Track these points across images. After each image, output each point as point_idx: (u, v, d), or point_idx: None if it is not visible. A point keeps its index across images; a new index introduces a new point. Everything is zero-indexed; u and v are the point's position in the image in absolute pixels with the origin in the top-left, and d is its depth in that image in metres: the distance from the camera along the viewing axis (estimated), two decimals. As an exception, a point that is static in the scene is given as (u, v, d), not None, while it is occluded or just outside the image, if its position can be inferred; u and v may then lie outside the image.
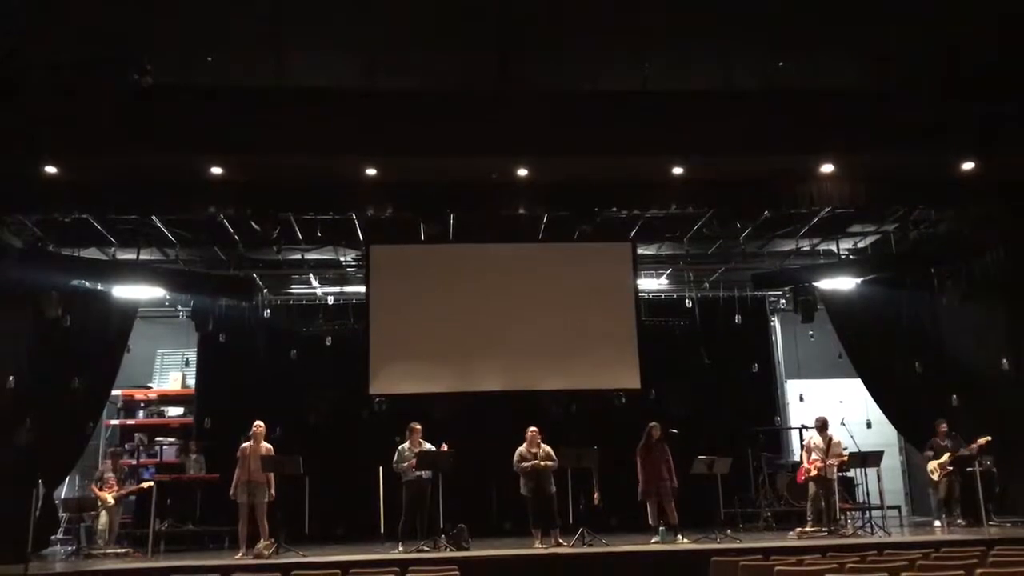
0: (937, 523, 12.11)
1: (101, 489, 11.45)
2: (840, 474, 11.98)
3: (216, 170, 10.62)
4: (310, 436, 13.02)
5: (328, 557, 9.67)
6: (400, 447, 10.76)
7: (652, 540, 10.42)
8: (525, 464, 10.63)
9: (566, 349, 12.82)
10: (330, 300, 14.65)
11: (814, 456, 11.39)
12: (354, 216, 11.97)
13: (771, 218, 12.39)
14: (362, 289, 13.31)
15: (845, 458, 11.43)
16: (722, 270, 14.52)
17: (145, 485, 11.76)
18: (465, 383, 12.83)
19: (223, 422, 13.35)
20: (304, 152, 10.27)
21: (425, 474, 10.52)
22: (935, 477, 12.24)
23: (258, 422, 10.44)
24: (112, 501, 11.40)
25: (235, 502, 10.29)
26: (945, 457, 12.09)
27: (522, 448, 10.76)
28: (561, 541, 10.38)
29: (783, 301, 15.68)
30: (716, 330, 14.51)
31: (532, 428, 10.88)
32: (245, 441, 10.51)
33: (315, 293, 14.88)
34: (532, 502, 10.58)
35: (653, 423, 11.02)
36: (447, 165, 10.74)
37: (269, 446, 10.37)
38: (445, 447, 10.61)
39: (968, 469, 11.70)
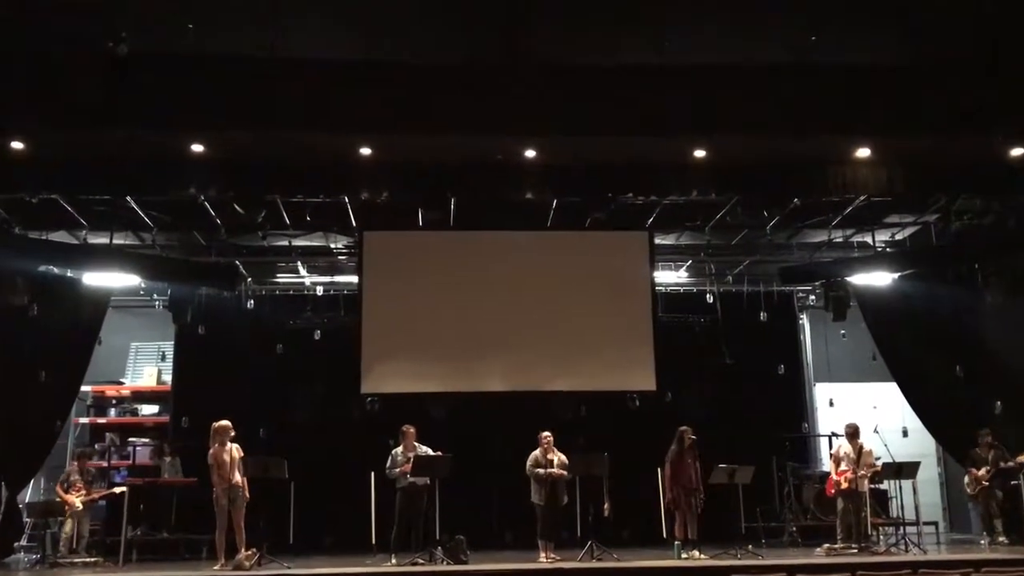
0: (983, 541, 12.12)
1: (67, 492, 11.49)
2: (872, 486, 11.99)
3: (197, 148, 10.63)
4: (296, 438, 13.08)
5: (314, 569, 9.71)
6: (393, 451, 10.79)
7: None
8: (541, 471, 10.66)
9: (575, 346, 12.85)
10: (319, 291, 14.66)
11: (844, 466, 11.40)
12: (346, 199, 11.98)
13: (801, 206, 12.36)
14: (354, 279, 13.34)
15: (878, 469, 11.43)
16: (747, 263, 14.51)
17: (117, 490, 11.80)
18: (465, 382, 12.85)
19: (202, 422, 13.25)
20: (293, 129, 10.28)
21: (420, 480, 10.55)
22: (970, 491, 12.27)
23: (222, 421, 10.25)
24: (80, 506, 11.43)
25: (214, 509, 10.29)
26: (983, 471, 12.11)
27: (537, 453, 10.80)
28: (555, 556, 10.41)
29: (813, 297, 15.68)
30: (739, 328, 14.52)
31: (546, 433, 10.91)
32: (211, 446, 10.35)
33: (303, 283, 14.90)
34: (544, 512, 10.61)
35: (685, 427, 10.99)
36: (448, 145, 10.75)
37: (237, 446, 10.29)
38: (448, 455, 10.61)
39: (1013, 483, 11.71)
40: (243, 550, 9.97)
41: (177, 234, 13.19)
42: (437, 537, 10.38)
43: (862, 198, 12.04)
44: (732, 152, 11.03)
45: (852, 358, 14.93)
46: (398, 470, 10.60)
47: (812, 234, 13.74)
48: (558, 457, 10.77)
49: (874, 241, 13.78)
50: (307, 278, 14.84)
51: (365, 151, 10.81)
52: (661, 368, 12.93)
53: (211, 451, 10.12)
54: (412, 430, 10.84)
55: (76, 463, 12.02)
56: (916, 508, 11.88)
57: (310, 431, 13.55)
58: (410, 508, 10.55)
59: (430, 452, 10.72)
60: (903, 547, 11.02)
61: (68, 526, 11.37)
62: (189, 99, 10.03)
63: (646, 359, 12.93)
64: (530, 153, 10.94)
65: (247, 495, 10.19)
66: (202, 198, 11.58)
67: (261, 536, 10.49)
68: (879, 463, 11.44)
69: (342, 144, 10.72)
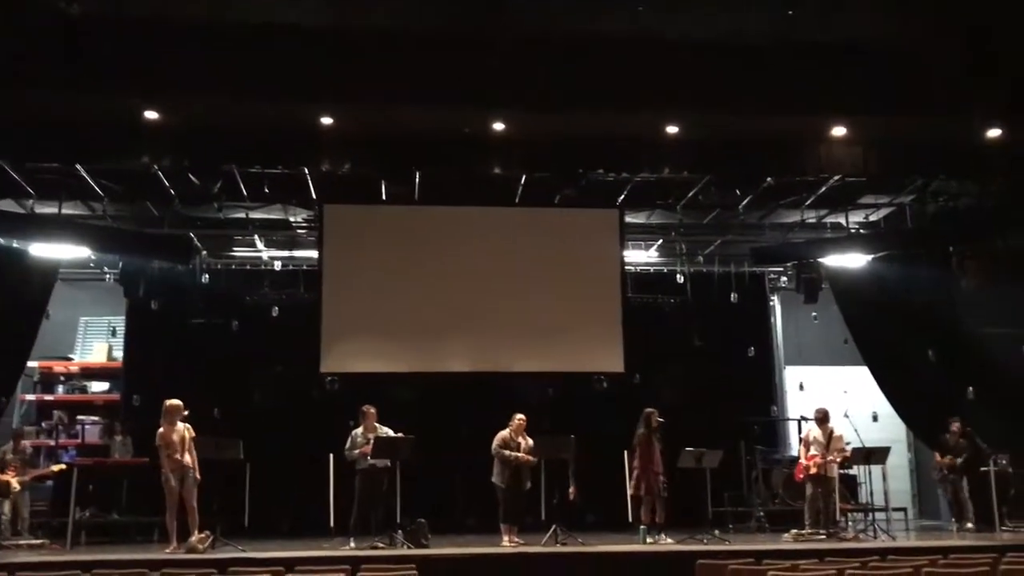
0: (951, 528, 12.32)
1: (3, 472, 11.33)
2: (841, 472, 12.13)
3: (151, 114, 10.48)
4: (253, 418, 13.00)
5: (270, 553, 9.67)
6: (353, 432, 10.76)
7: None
8: (508, 452, 10.67)
9: (543, 327, 12.86)
10: (278, 265, 14.55)
11: (813, 451, 11.51)
12: (307, 171, 11.87)
13: (774, 185, 12.44)
14: (314, 254, 13.25)
15: (847, 454, 11.55)
16: (718, 243, 14.59)
17: (55, 468, 11.67)
18: (429, 363, 12.84)
19: (154, 400, 13.10)
20: (252, 96, 10.17)
21: (381, 462, 10.52)
22: (936, 476, 12.55)
23: (173, 400, 10.18)
24: (17, 487, 11.29)
25: (164, 490, 10.21)
26: (948, 459, 12.33)
27: (506, 433, 10.78)
28: (518, 540, 10.45)
29: (784, 279, 15.78)
30: (709, 309, 14.60)
31: (520, 416, 10.91)
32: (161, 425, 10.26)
33: (261, 257, 14.78)
34: (506, 495, 10.63)
35: (651, 409, 11.06)
36: (414, 116, 10.67)
37: (188, 426, 10.21)
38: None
39: (983, 469, 11.90)
40: (196, 532, 9.91)
41: (129, 205, 13.01)
42: (398, 521, 10.36)
43: (836, 178, 12.12)
44: (706, 129, 11.06)
45: (823, 341, 15.08)
46: (358, 452, 10.56)
47: (785, 214, 13.82)
48: (527, 442, 10.78)
49: (848, 222, 13.90)
50: (265, 252, 14.72)
51: (326, 121, 10.71)
52: (629, 350, 12.98)
53: (160, 430, 10.05)
54: (373, 410, 10.79)
55: (12, 442, 11.86)
56: (885, 494, 12.03)
57: (267, 411, 13.47)
58: (370, 491, 10.52)
59: (391, 433, 10.69)
60: (872, 533, 11.18)
61: (6, 507, 11.24)
62: (143, 63, 9.89)
63: (614, 340, 12.98)
64: (499, 126, 10.89)
65: (198, 476, 10.13)
66: (155, 167, 11.43)
67: (215, 518, 10.43)
68: (849, 448, 11.56)
69: (303, 113, 10.62)
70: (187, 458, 10.03)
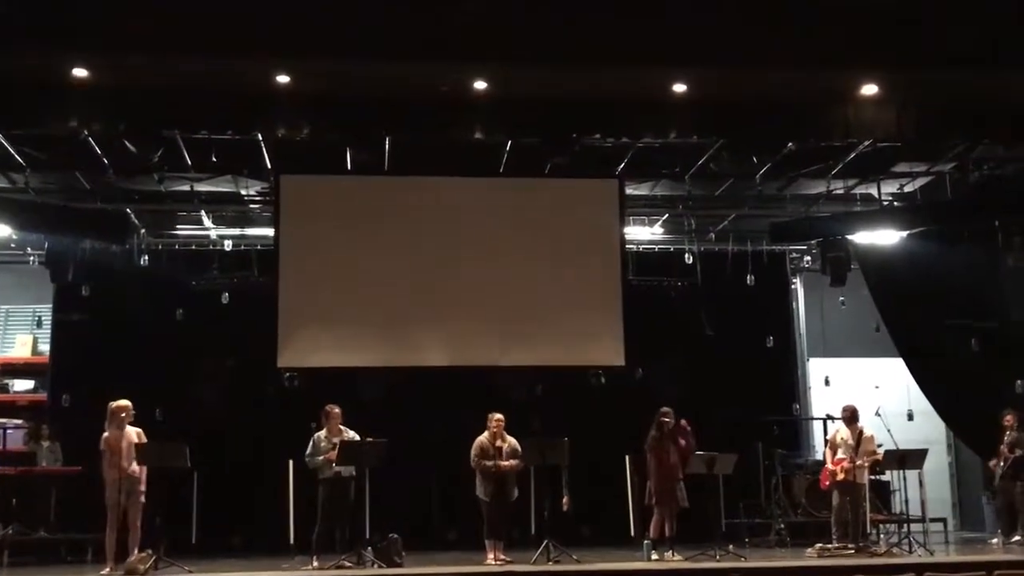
0: (994, 540, 12.40)
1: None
2: (872, 477, 12.20)
3: (80, 72, 10.40)
4: (200, 420, 13.00)
5: (222, 574, 9.69)
6: (315, 436, 10.75)
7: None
8: (487, 463, 10.66)
9: (531, 314, 12.88)
10: (228, 245, 14.48)
11: (840, 454, 11.55)
12: (260, 137, 11.81)
13: (796, 152, 12.44)
14: (270, 232, 13.20)
15: (879, 457, 11.60)
16: (732, 217, 14.62)
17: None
18: (401, 356, 12.85)
19: (86, 400, 13.19)
20: (196, 51, 10.08)
21: (347, 470, 10.53)
22: (997, 473, 12.52)
23: (119, 401, 10.20)
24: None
25: (102, 504, 10.19)
26: (1002, 454, 12.36)
27: (483, 439, 10.78)
28: (504, 557, 10.49)
29: (808, 258, 15.83)
30: (722, 293, 14.66)
31: (497, 415, 10.90)
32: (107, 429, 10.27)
33: (208, 236, 14.74)
34: (490, 508, 10.65)
35: (666, 408, 11.10)
36: (382, 73, 10.62)
37: (138, 430, 10.22)
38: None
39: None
40: (136, 551, 9.90)
41: (55, 175, 12.96)
42: (367, 536, 10.39)
43: (867, 143, 12.12)
44: (717, 88, 11.03)
45: (852, 330, 15.14)
46: (321, 458, 10.55)
47: (808, 185, 13.84)
48: (508, 444, 10.80)
49: (880, 193, 13.93)
50: (213, 230, 14.67)
51: (282, 79, 10.64)
52: (631, 340, 13.01)
53: (105, 435, 10.02)
54: (337, 411, 10.77)
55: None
56: (922, 503, 12.11)
57: (217, 412, 13.49)
58: (335, 502, 10.51)
59: (357, 437, 10.69)
60: (907, 547, 11.23)
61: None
62: (71, 14, 9.79)
63: (613, 329, 13.00)
64: (480, 84, 10.84)
65: (143, 488, 10.13)
66: (85, 132, 11.34)
67: (158, 535, 10.43)
68: (880, 451, 11.61)
69: (255, 70, 10.55)
70: (133, 467, 10.02)
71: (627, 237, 13.67)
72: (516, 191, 13.22)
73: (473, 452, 10.75)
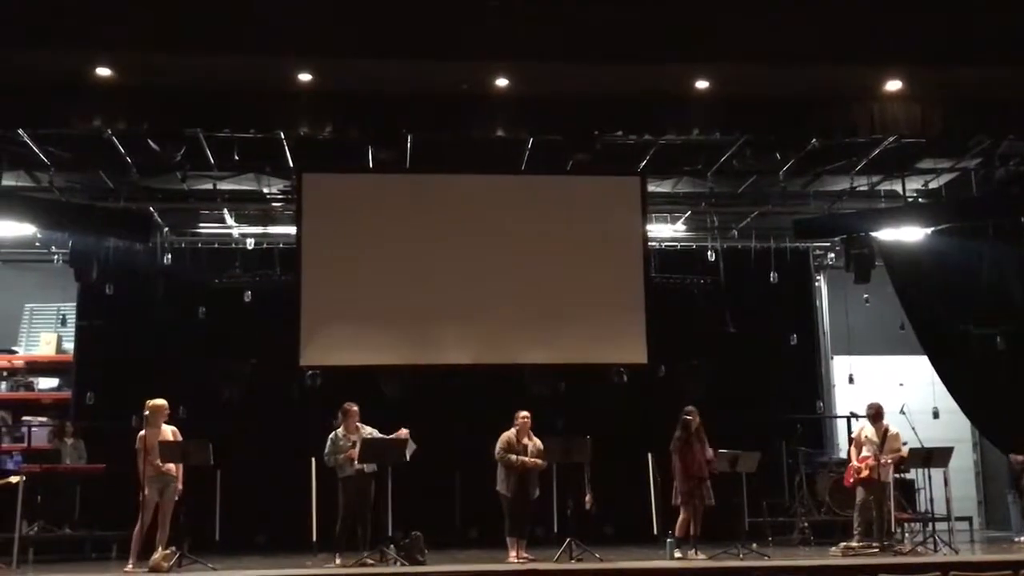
0: (1019, 539, 12.33)
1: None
2: (897, 476, 12.14)
3: (104, 71, 10.47)
4: (223, 418, 13.01)
5: (245, 571, 9.72)
6: (333, 434, 10.75)
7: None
8: (513, 457, 10.69)
9: (554, 312, 12.90)
10: (250, 244, 14.59)
11: (865, 452, 11.51)
12: (283, 135, 11.88)
13: (820, 148, 12.41)
14: (292, 230, 13.25)
15: (904, 455, 11.54)
16: (755, 214, 14.60)
17: (13, 479, 11.68)
18: (423, 354, 12.89)
19: (109, 398, 13.36)
20: (220, 49, 10.14)
21: (369, 468, 10.56)
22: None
23: (156, 400, 10.30)
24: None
25: (127, 501, 10.23)
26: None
27: (510, 434, 10.79)
28: (527, 555, 10.50)
29: (832, 255, 15.80)
30: (745, 291, 14.65)
31: (523, 413, 10.93)
32: (140, 427, 10.35)
33: (231, 234, 14.82)
34: (511, 504, 10.67)
35: (690, 407, 11.09)
36: (404, 72, 10.64)
37: (174, 429, 10.31)
38: (405, 432, 10.58)
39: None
40: (160, 549, 9.93)
41: (80, 175, 13.04)
42: (389, 533, 10.40)
43: (891, 139, 12.08)
44: (740, 83, 11.00)
45: (876, 327, 15.08)
46: (341, 456, 10.58)
47: (832, 181, 13.81)
48: (534, 443, 10.81)
49: (904, 190, 13.86)
50: (235, 229, 14.75)
51: (305, 77, 10.69)
52: (653, 338, 13.01)
53: (141, 433, 10.09)
54: (355, 408, 10.77)
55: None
56: (947, 501, 12.01)
57: (239, 410, 13.50)
58: (357, 500, 10.53)
59: (376, 434, 10.70)
60: (932, 546, 11.17)
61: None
62: (95, 12, 9.85)
63: (636, 327, 13.01)
64: (502, 82, 10.86)
65: (180, 486, 10.20)
66: (109, 132, 11.43)
67: (181, 532, 10.47)
68: (905, 449, 11.55)
69: (278, 69, 10.59)
70: (170, 465, 10.09)
71: (649, 234, 13.66)
72: (538, 188, 13.21)
73: (499, 445, 10.75)
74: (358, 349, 12.81)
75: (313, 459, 11.17)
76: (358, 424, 10.75)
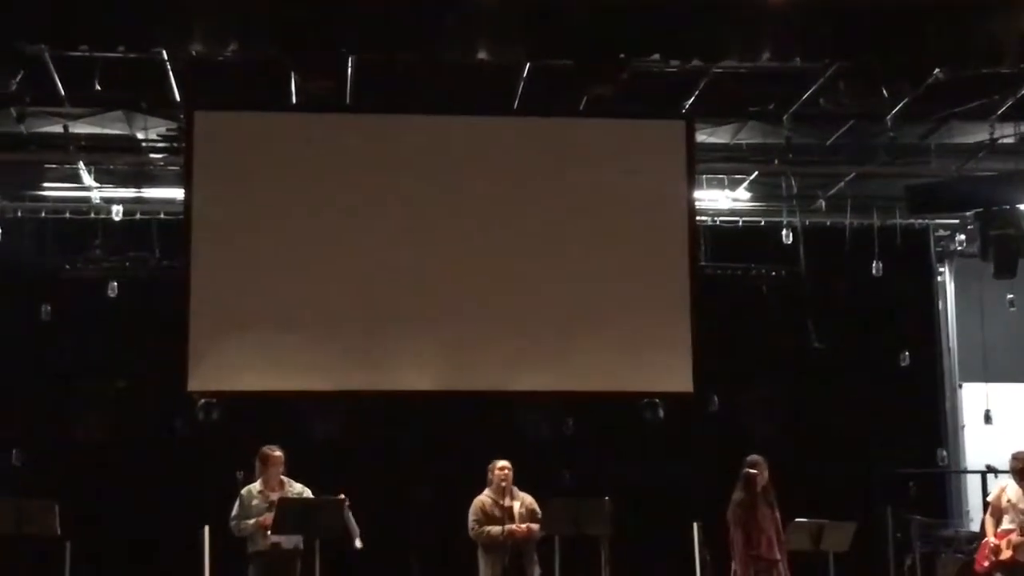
0: None
1: None
2: (1054, 558, 12.20)
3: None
4: (76, 465, 13.03)
5: None
6: (244, 490, 10.78)
7: None
8: (492, 529, 10.72)
9: (558, 318, 12.87)
10: (117, 213, 14.54)
11: (1008, 524, 11.56)
12: (164, 55, 11.85)
13: (946, 82, 12.40)
14: (178, 194, 13.23)
15: (1064, 530, 11.62)
16: (851, 177, 14.62)
17: None
18: (369, 377, 12.80)
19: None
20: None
21: (290, 541, 10.57)
22: None
23: None
24: None
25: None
26: None
27: (484, 498, 10.88)
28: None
29: (961, 237, 15.81)
30: (836, 288, 14.64)
31: (501, 463, 11.01)
32: None
33: (89, 199, 14.77)
34: (500, 593, 10.72)
35: (755, 457, 11.13)
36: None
37: None
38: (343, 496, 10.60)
39: None
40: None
41: None
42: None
43: (1055, 68, 12.12)
44: (830, -13, 11.05)
45: (1024, 342, 15.16)
46: (252, 523, 10.59)
47: (965, 130, 13.82)
48: (522, 502, 10.84)
49: (1070, 145, 13.93)
50: (95, 191, 14.70)
51: (200, -26, 10.69)
52: (702, 355, 12.98)
53: None
54: (278, 454, 10.82)
55: None
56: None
57: (99, 455, 13.51)
58: (272, 586, 10.59)
59: (308, 493, 10.71)
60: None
61: None
62: None
63: (678, 340, 12.94)
64: (487, -20, 10.88)
65: None
66: (-87, 49, 11.43)
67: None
68: (1066, 519, 11.63)
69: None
70: None
71: (699, 205, 13.68)
72: (537, 137, 13.17)
73: (471, 517, 10.79)
74: (273, 369, 12.71)
75: (206, 527, 11.15)
76: (283, 479, 10.75)
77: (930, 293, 16.15)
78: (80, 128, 13.47)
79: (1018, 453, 11.83)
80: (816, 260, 14.67)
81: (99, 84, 12.33)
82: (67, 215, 14.76)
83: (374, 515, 11.10)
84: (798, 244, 14.63)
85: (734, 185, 14.90)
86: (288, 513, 10.39)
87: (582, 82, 12.26)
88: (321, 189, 12.83)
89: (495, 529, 10.70)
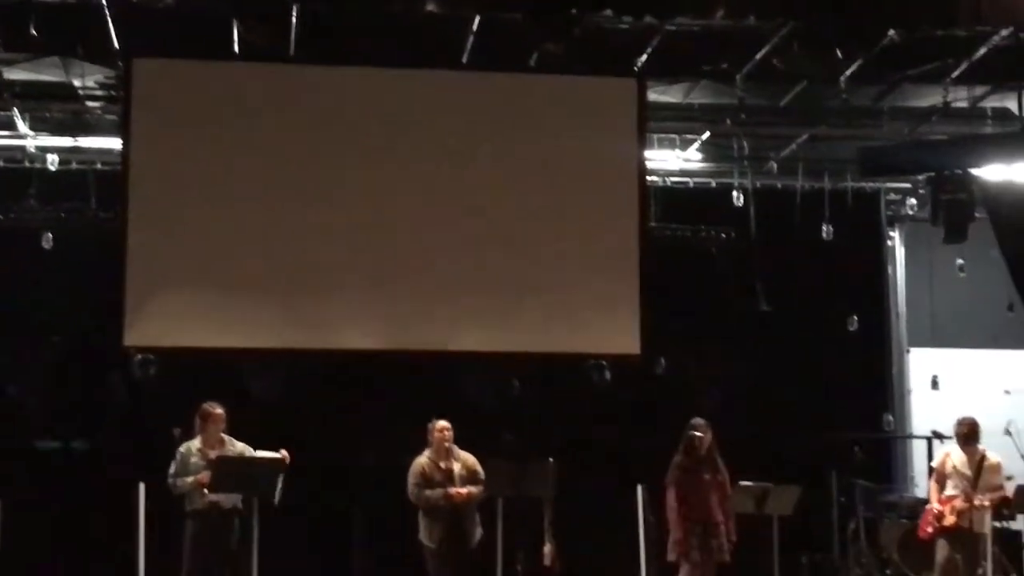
0: None
1: None
2: (997, 524, 12.27)
3: None
4: (8, 424, 12.95)
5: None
6: (181, 448, 10.76)
7: None
8: (430, 492, 10.75)
9: (503, 277, 12.90)
10: (52, 163, 14.45)
11: (951, 490, 11.66)
12: (104, 1, 11.76)
13: (899, 44, 12.45)
14: (116, 144, 13.15)
15: (1008, 495, 11.71)
16: (803, 139, 14.68)
17: None
18: (310, 335, 12.79)
19: None
20: None
21: (227, 500, 10.56)
22: None
23: None
24: None
25: None
26: None
27: (423, 460, 10.90)
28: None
29: (912, 201, 15.90)
30: (786, 251, 14.75)
31: (441, 423, 11.03)
32: None
33: (24, 147, 14.66)
34: (439, 559, 10.73)
35: (698, 420, 11.18)
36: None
37: None
38: (284, 454, 10.61)
39: None
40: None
41: None
42: (256, 597, 10.45)
43: (1004, 33, 12.15)
44: (787, -56, 11.07)
45: (974, 308, 15.25)
46: (190, 480, 10.58)
47: (917, 93, 13.88)
48: (463, 463, 10.87)
49: (1021, 109, 13.97)
50: (30, 140, 14.59)
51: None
52: (650, 317, 13.02)
53: None
54: (219, 411, 10.81)
55: None
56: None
57: (33, 413, 13.44)
58: (209, 545, 10.57)
59: (250, 451, 10.70)
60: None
61: None
62: None
63: (625, 301, 12.99)
64: (435, -71, 10.85)
65: None
66: None
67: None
68: (1010, 486, 11.72)
69: None
70: None
71: (649, 165, 13.70)
72: (485, 92, 13.19)
73: (410, 480, 10.81)
74: (212, 324, 12.67)
75: (142, 484, 11.11)
76: (223, 436, 10.74)
77: (880, 257, 16.27)
78: (15, 74, 13.35)
79: (963, 419, 11.91)
80: (766, 223, 14.71)
81: (35, 29, 12.21)
82: (1, 164, 14.67)
83: (315, 475, 11.09)
84: (749, 206, 14.67)
85: (685, 145, 14.90)
86: (226, 471, 10.40)
87: (533, 37, 12.25)
88: (263, 141, 12.77)
89: (434, 493, 10.72)
